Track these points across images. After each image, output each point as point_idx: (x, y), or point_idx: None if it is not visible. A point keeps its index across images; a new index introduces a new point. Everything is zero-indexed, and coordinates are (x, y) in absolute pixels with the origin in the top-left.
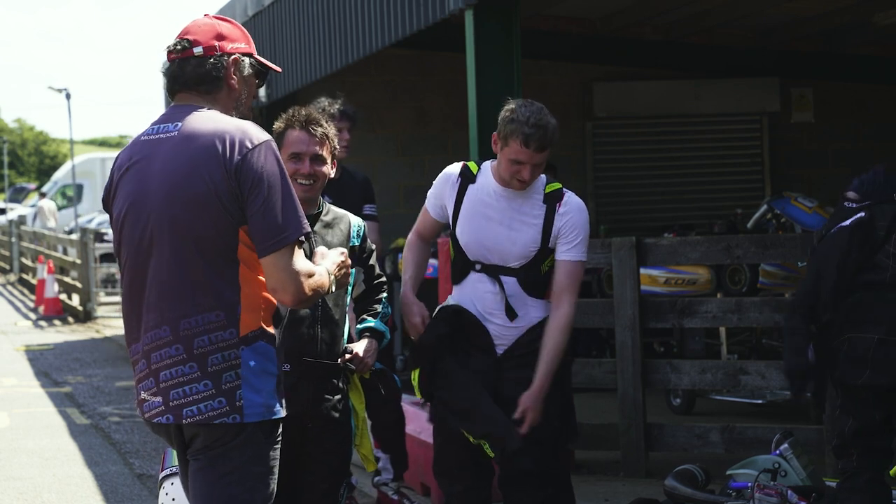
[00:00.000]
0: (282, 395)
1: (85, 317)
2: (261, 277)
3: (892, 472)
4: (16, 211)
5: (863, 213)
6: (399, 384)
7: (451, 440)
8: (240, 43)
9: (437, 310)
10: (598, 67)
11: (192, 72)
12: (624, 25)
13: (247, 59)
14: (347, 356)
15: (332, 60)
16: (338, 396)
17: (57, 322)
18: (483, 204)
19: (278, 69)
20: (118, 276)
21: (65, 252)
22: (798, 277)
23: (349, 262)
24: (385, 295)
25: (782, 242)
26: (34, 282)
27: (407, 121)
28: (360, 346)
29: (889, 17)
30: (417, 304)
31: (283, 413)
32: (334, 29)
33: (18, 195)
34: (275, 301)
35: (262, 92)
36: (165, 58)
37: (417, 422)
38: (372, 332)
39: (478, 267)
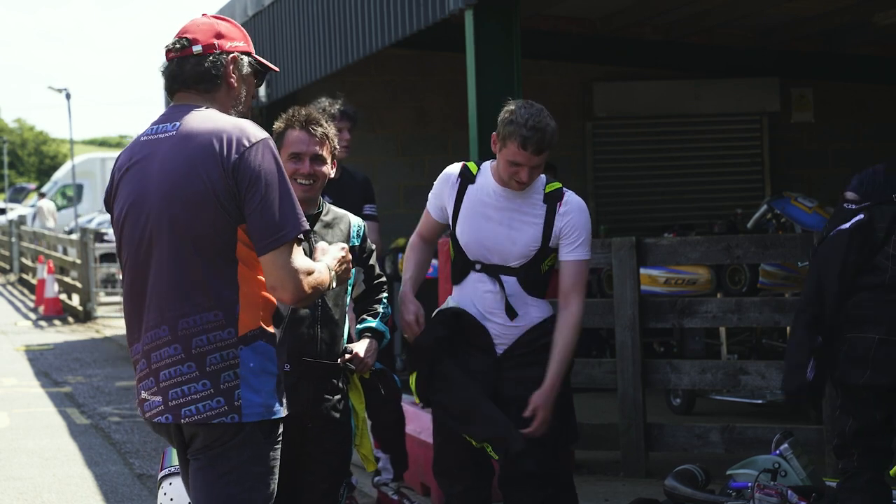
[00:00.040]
0: (282, 394)
1: (85, 317)
2: (260, 277)
3: (892, 472)
4: (16, 211)
5: (862, 216)
6: (399, 384)
7: (451, 440)
8: (238, 42)
9: (435, 312)
10: (598, 67)
11: (191, 70)
12: (624, 25)
13: (245, 58)
14: (347, 356)
15: (332, 60)
16: (338, 396)
17: (57, 322)
18: (483, 204)
19: (276, 69)
20: (118, 276)
21: (65, 252)
22: (798, 277)
23: (350, 256)
24: (385, 295)
25: (782, 242)
26: (34, 282)
27: (407, 121)
28: (360, 347)
29: (889, 17)
30: (414, 303)
31: (283, 413)
32: (334, 29)
33: (18, 195)
34: (274, 300)
35: (262, 92)
36: (164, 57)
37: (417, 422)
38: (372, 333)
39: (478, 267)
